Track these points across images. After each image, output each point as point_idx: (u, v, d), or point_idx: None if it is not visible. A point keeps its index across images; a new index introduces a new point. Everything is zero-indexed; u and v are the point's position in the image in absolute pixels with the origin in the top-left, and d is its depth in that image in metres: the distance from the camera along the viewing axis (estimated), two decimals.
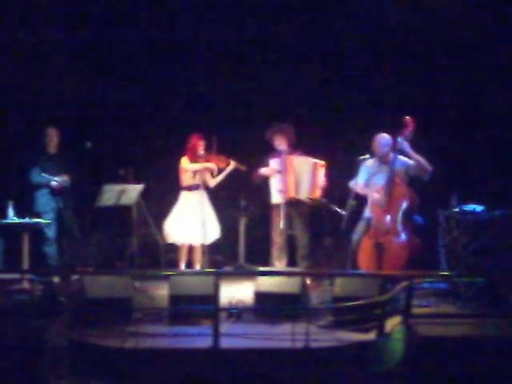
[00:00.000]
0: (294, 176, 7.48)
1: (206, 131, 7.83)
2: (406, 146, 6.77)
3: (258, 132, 7.80)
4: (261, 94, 8.65)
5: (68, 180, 7.77)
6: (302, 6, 8.50)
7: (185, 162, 7.69)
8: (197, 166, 7.64)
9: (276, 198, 7.54)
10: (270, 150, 7.68)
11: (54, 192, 7.72)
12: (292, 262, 7.66)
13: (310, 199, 7.44)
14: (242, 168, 7.73)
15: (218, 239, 7.83)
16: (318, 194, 7.45)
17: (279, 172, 7.51)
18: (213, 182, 7.81)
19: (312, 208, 7.58)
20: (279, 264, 7.57)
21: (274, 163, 7.58)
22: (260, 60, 8.67)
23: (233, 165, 7.72)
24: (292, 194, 7.46)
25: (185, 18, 8.55)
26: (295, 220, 7.58)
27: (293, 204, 7.50)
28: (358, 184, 6.91)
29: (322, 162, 7.51)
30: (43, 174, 7.62)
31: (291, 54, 8.67)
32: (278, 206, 7.49)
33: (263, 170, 7.62)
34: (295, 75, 8.65)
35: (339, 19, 8.44)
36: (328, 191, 7.51)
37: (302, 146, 7.69)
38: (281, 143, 7.59)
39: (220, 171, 7.79)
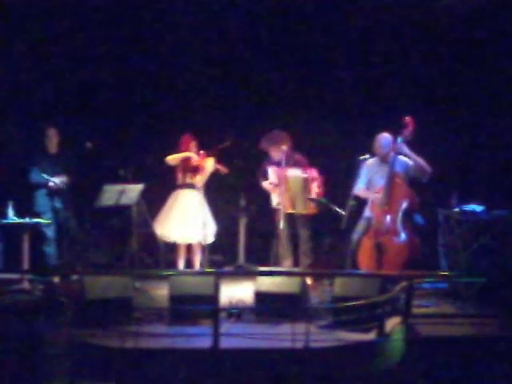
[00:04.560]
0: (288, 193, 7.32)
1: (206, 131, 7.83)
2: (405, 148, 6.76)
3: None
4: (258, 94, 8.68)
5: (66, 180, 7.77)
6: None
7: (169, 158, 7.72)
8: (176, 157, 7.65)
9: (276, 202, 7.48)
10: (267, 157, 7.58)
11: (52, 192, 7.73)
12: (296, 261, 7.64)
13: (311, 199, 7.41)
14: (224, 171, 7.69)
15: (218, 239, 7.83)
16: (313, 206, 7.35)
17: (276, 185, 7.44)
18: (199, 182, 7.74)
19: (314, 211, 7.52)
20: (285, 262, 7.53)
21: (271, 172, 7.50)
22: (258, 59, 8.68)
23: (214, 165, 7.68)
24: (289, 210, 7.37)
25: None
26: (297, 218, 7.50)
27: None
28: (359, 188, 6.91)
29: (314, 174, 7.35)
30: (43, 175, 7.63)
31: (290, 53, 8.67)
32: (279, 209, 7.43)
33: (265, 185, 7.56)
34: (295, 74, 8.66)
35: (339, 17, 8.44)
36: (328, 191, 7.48)
37: (301, 146, 7.66)
38: (276, 155, 7.43)
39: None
